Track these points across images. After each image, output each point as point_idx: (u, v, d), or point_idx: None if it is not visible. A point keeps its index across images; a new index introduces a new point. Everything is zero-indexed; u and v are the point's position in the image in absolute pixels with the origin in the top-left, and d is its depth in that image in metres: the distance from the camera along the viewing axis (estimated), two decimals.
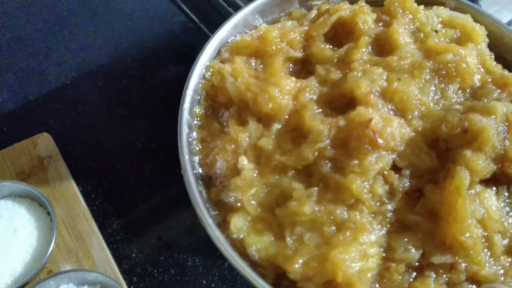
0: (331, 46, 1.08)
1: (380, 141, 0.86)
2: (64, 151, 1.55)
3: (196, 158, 0.98)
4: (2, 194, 1.42)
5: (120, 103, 1.76)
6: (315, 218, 0.85)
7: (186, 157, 0.95)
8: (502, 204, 0.89)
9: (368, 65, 0.99)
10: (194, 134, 1.01)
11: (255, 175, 0.92)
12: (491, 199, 0.86)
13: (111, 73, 1.84)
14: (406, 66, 0.99)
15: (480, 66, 1.04)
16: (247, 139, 0.96)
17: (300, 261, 0.82)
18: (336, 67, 1.03)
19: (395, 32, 1.04)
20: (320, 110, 0.96)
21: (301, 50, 1.08)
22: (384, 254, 0.84)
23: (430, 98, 0.97)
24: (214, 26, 1.11)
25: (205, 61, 1.07)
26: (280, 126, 0.97)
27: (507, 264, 0.86)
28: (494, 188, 0.90)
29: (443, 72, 0.99)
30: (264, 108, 0.96)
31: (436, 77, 0.99)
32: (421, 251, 0.84)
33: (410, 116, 0.94)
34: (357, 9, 1.08)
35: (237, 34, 1.13)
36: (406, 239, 0.84)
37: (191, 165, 0.95)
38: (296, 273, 0.81)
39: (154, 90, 1.79)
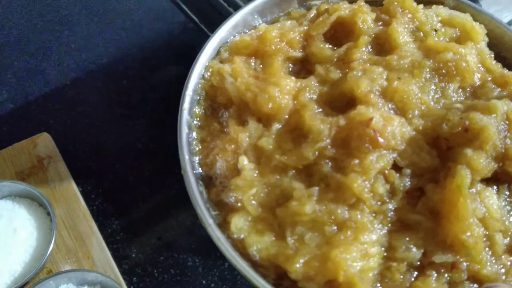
0: (330, 46, 1.08)
1: (380, 140, 0.86)
2: (64, 151, 1.55)
3: (196, 158, 0.98)
4: (2, 194, 1.42)
5: (120, 103, 1.76)
6: (316, 218, 0.84)
7: (186, 157, 0.95)
8: (503, 203, 0.89)
9: (368, 65, 0.99)
10: (194, 134, 1.00)
11: (255, 175, 0.92)
12: (492, 198, 0.86)
13: (111, 73, 1.84)
14: (406, 65, 0.99)
15: (480, 65, 1.04)
16: (247, 139, 0.95)
17: (301, 261, 0.81)
18: (336, 67, 1.02)
19: (395, 31, 1.04)
20: (320, 109, 0.96)
21: (301, 50, 1.08)
22: (385, 254, 0.84)
23: (430, 97, 0.97)
24: (214, 26, 1.10)
25: (205, 61, 1.06)
26: (280, 126, 0.97)
27: (509, 263, 0.85)
28: (495, 187, 0.89)
29: (443, 71, 0.98)
30: (264, 108, 0.96)
31: (436, 76, 0.99)
32: (422, 250, 0.83)
33: (410, 115, 0.93)
34: (356, 9, 1.08)
35: (237, 34, 1.13)
36: (407, 238, 0.84)
37: (191, 165, 0.95)
38: (297, 273, 0.81)
39: (154, 90, 1.79)
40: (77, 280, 1.29)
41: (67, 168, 1.51)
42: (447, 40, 1.08)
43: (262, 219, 0.89)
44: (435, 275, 0.83)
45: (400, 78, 0.96)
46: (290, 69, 1.08)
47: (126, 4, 2.06)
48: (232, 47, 1.09)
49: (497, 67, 1.06)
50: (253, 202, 0.89)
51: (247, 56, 1.07)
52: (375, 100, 0.93)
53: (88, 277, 1.29)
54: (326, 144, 0.90)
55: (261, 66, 1.06)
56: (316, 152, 0.90)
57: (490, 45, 1.11)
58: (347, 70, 0.99)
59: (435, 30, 1.08)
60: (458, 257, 0.82)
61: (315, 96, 0.99)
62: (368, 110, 0.89)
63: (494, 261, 0.84)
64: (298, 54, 1.07)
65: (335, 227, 0.84)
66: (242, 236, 0.87)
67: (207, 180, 0.96)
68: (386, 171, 0.88)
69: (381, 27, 1.08)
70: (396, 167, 0.89)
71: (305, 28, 1.10)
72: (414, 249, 0.83)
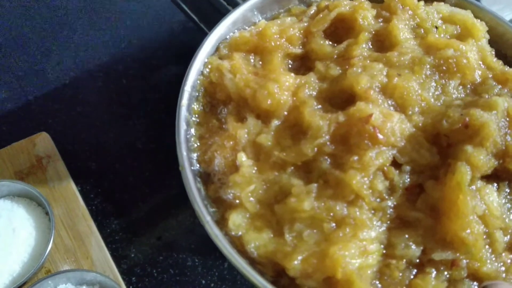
0: (330, 42, 1.08)
1: (380, 136, 0.86)
2: (63, 151, 1.54)
3: (194, 155, 0.97)
4: (0, 194, 1.41)
5: (119, 102, 1.75)
6: (314, 215, 0.84)
7: (184, 153, 0.95)
8: (503, 201, 0.88)
9: (368, 61, 0.99)
10: (192, 131, 1.00)
11: (254, 171, 0.91)
12: (492, 195, 0.86)
13: (111, 72, 1.83)
14: (407, 62, 0.98)
15: (480, 62, 1.04)
16: (245, 135, 0.95)
17: (300, 258, 0.81)
18: (336, 63, 1.02)
19: (395, 28, 1.04)
20: (319, 106, 0.96)
21: (301, 47, 1.08)
22: (384, 251, 0.84)
23: (430, 94, 0.96)
24: (214, 25, 1.10)
25: (203, 58, 1.06)
26: (279, 123, 0.96)
27: (509, 261, 0.85)
28: (495, 184, 0.89)
29: (444, 67, 0.98)
30: (263, 105, 0.95)
31: (437, 72, 0.98)
32: (421, 248, 0.83)
33: (410, 112, 0.93)
34: (356, 5, 1.08)
35: (236, 31, 1.13)
36: (406, 236, 0.83)
37: (189, 162, 0.95)
38: (296, 270, 0.81)
39: (154, 89, 1.78)
40: (75, 280, 1.28)
41: (66, 167, 1.51)
42: (448, 37, 1.08)
43: (260, 216, 0.88)
44: (435, 272, 0.82)
45: (400, 74, 0.95)
46: (290, 65, 1.08)
47: (126, 3, 2.06)
48: (232, 43, 1.08)
49: (498, 64, 1.06)
50: (251, 199, 0.89)
51: (247, 52, 1.07)
52: (375, 97, 0.93)
53: (87, 277, 1.28)
54: (325, 140, 0.89)
55: (260, 62, 1.06)
56: (315, 149, 0.89)
57: (491, 43, 1.11)
58: (347, 67, 0.99)
59: (436, 27, 1.08)
60: (458, 254, 0.82)
61: (315, 93, 0.98)
62: (368, 107, 0.89)
63: (494, 258, 0.84)
64: (298, 50, 1.07)
65: (334, 224, 0.84)
66: (240, 233, 0.87)
67: (205, 177, 0.96)
68: (386, 168, 0.87)
69: (381, 23, 1.08)
70: (395, 163, 0.89)
71: (305, 24, 1.10)
72: (413, 247, 0.83)
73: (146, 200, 1.55)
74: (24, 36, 1.94)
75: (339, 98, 0.98)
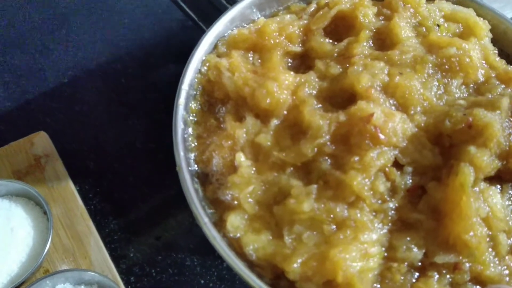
0: (330, 41, 1.07)
1: (381, 136, 0.85)
2: (61, 150, 1.53)
3: (192, 155, 0.97)
4: None
5: (118, 102, 1.75)
6: (314, 216, 0.83)
7: (181, 153, 0.94)
8: (507, 203, 0.87)
9: (369, 60, 0.98)
10: (190, 130, 0.99)
11: (252, 172, 0.90)
12: (496, 197, 0.85)
13: (109, 71, 1.83)
14: (408, 61, 0.98)
15: (483, 61, 1.03)
16: (244, 135, 0.94)
17: (299, 260, 0.80)
18: (336, 62, 1.01)
19: (397, 26, 1.03)
20: (319, 105, 0.95)
21: (300, 45, 1.07)
22: (385, 254, 0.83)
23: (433, 93, 0.96)
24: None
25: (201, 56, 1.06)
26: (278, 122, 0.95)
27: None
28: (499, 186, 0.88)
29: (446, 66, 0.98)
30: (262, 104, 0.94)
31: (439, 71, 0.98)
32: (423, 251, 0.82)
33: (412, 112, 0.92)
34: (357, 3, 1.07)
35: (234, 28, 1.12)
36: (408, 238, 0.83)
37: (186, 162, 0.94)
38: (295, 273, 0.80)
39: (153, 88, 1.78)
40: (74, 280, 1.28)
41: (64, 167, 1.50)
42: (450, 35, 1.07)
43: (259, 218, 0.87)
44: (437, 276, 0.81)
45: (402, 73, 0.95)
46: (289, 64, 1.07)
47: (124, 2, 2.05)
48: (230, 41, 1.08)
49: (501, 63, 1.05)
50: (250, 200, 0.88)
51: (245, 50, 1.06)
52: (376, 96, 0.92)
53: (85, 276, 1.28)
54: (326, 140, 0.88)
55: (259, 60, 1.05)
56: (315, 149, 0.88)
57: (493, 41, 1.10)
58: (347, 65, 0.98)
59: (438, 25, 1.07)
60: (460, 257, 0.81)
61: (315, 92, 0.98)
62: (369, 106, 0.88)
63: (497, 262, 0.83)
64: (297, 48, 1.06)
65: (334, 226, 0.83)
66: (238, 235, 0.86)
67: (203, 178, 0.95)
68: (387, 169, 0.86)
69: (382, 21, 1.07)
70: (397, 164, 0.88)
71: (305, 22, 1.09)
72: (415, 249, 0.82)
73: (145, 200, 1.54)
74: (23, 34, 1.93)
75: (340, 97, 0.97)
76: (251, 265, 0.85)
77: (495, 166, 0.86)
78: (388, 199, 0.86)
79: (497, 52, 1.08)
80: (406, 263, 0.82)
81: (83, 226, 1.40)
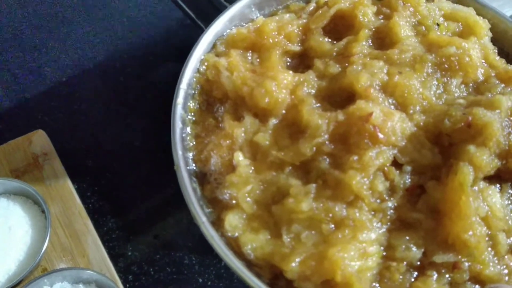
0: (330, 40, 1.07)
1: (380, 135, 0.84)
2: (59, 149, 1.53)
3: (190, 154, 0.96)
4: None
5: (117, 100, 1.75)
6: (313, 216, 0.83)
7: (180, 152, 0.94)
8: (506, 202, 0.87)
9: (368, 59, 0.98)
10: (188, 129, 0.99)
11: (251, 171, 0.90)
12: (495, 197, 0.85)
13: (108, 70, 1.83)
14: (408, 60, 0.98)
15: (483, 61, 1.03)
16: (242, 134, 0.94)
17: (297, 260, 0.80)
18: (335, 61, 1.01)
19: (396, 25, 1.03)
20: (318, 104, 0.95)
21: (299, 44, 1.07)
22: (384, 253, 0.83)
23: (432, 92, 0.95)
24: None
25: (200, 55, 1.05)
26: (277, 121, 0.95)
27: (511, 264, 0.84)
28: (498, 185, 0.88)
29: (446, 65, 0.97)
30: (261, 103, 0.94)
31: (438, 71, 0.98)
32: (422, 250, 0.82)
33: (411, 111, 0.92)
34: (356, 2, 1.07)
35: (233, 27, 1.12)
36: (407, 237, 0.82)
37: (184, 161, 0.94)
38: (293, 272, 0.79)
39: (151, 87, 1.78)
40: (72, 279, 1.28)
41: (62, 165, 1.50)
42: (450, 34, 1.07)
43: (257, 217, 0.87)
44: (436, 275, 0.81)
45: (401, 72, 0.94)
46: (288, 63, 1.07)
47: (124, 1, 2.05)
48: (229, 40, 1.08)
49: (500, 62, 1.05)
50: (248, 199, 0.88)
51: (244, 49, 1.06)
52: (375, 95, 0.91)
53: (83, 275, 1.28)
54: (324, 139, 0.88)
55: (258, 60, 1.04)
56: (314, 148, 0.88)
57: (493, 41, 1.10)
58: (346, 65, 0.98)
59: (438, 24, 1.07)
60: (459, 257, 0.81)
61: (313, 91, 0.97)
62: (368, 105, 0.88)
63: (496, 261, 0.83)
64: (296, 48, 1.06)
65: (333, 225, 0.83)
66: (236, 234, 0.86)
67: (201, 177, 0.95)
68: (386, 168, 0.86)
69: (382, 20, 1.07)
70: (396, 164, 0.88)
71: (304, 21, 1.09)
72: (414, 249, 0.82)
73: (143, 198, 1.54)
74: (21, 33, 1.93)
75: (339, 96, 0.97)
76: (249, 264, 0.85)
77: (495, 166, 0.85)
78: (387, 198, 0.85)
79: (496, 51, 1.07)
80: (405, 263, 0.82)
81: (81, 225, 1.40)
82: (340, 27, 1.09)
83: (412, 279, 0.82)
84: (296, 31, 1.06)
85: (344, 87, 0.96)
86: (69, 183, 1.47)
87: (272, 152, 0.90)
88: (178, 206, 1.51)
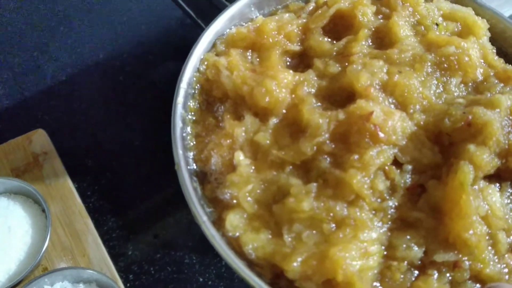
0: (329, 39, 1.06)
1: (381, 135, 0.84)
2: (59, 148, 1.54)
3: (191, 154, 0.96)
4: None
5: (117, 100, 1.76)
6: (313, 215, 0.83)
7: (180, 152, 0.93)
8: (506, 201, 0.87)
9: (368, 58, 0.98)
10: (189, 129, 0.99)
11: (251, 171, 0.90)
12: (495, 196, 0.85)
13: (108, 69, 1.83)
14: (407, 59, 0.97)
15: (482, 60, 1.03)
16: (243, 134, 0.93)
17: (299, 259, 0.79)
18: (335, 61, 1.01)
19: (395, 25, 1.02)
20: (318, 104, 0.95)
21: (299, 43, 1.07)
22: (385, 252, 0.83)
23: (432, 92, 0.95)
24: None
25: (200, 54, 1.05)
26: (277, 121, 0.95)
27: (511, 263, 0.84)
28: (498, 184, 0.88)
29: (445, 65, 0.97)
30: (261, 102, 0.94)
31: (438, 70, 0.97)
32: (423, 249, 0.82)
33: (411, 110, 0.92)
34: (356, 1, 1.07)
35: (233, 27, 1.12)
36: (408, 237, 0.82)
37: (185, 160, 0.93)
38: (295, 272, 0.79)
39: (151, 86, 1.78)
40: (72, 278, 1.28)
41: (62, 165, 1.50)
42: (449, 34, 1.07)
43: (258, 217, 0.87)
44: (437, 274, 0.81)
45: (401, 72, 0.94)
46: (288, 63, 1.07)
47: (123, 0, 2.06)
48: (228, 40, 1.07)
49: (499, 62, 1.04)
50: (249, 198, 0.87)
51: (244, 49, 1.05)
52: (375, 94, 0.91)
53: (84, 274, 1.28)
54: (325, 139, 0.88)
55: (258, 59, 1.04)
56: (314, 147, 0.88)
57: (492, 41, 1.10)
58: (346, 64, 0.98)
59: (437, 24, 1.07)
60: (460, 256, 0.80)
61: (314, 90, 0.97)
62: (368, 104, 0.88)
63: (497, 260, 0.83)
64: (296, 47, 1.06)
65: (334, 225, 0.82)
66: (237, 234, 0.85)
67: (202, 176, 0.95)
68: (387, 167, 0.86)
69: (381, 20, 1.06)
70: (396, 163, 0.87)
71: (304, 21, 1.08)
72: (415, 248, 0.81)
73: (143, 198, 1.55)
74: (21, 32, 1.93)
75: (339, 95, 0.97)
76: (251, 264, 0.84)
77: (495, 165, 0.85)
78: (387, 197, 0.85)
79: (495, 51, 1.07)
80: (406, 262, 0.82)
81: (82, 224, 1.40)
82: (340, 26, 1.08)
83: (413, 278, 0.81)
84: (295, 30, 1.06)
85: (344, 87, 0.96)
86: (69, 182, 1.48)
87: (272, 152, 0.90)
88: (178, 205, 1.51)
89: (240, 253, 0.85)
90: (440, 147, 0.89)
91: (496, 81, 0.99)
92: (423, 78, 0.95)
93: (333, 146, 0.87)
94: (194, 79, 1.03)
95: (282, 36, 1.05)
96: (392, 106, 0.92)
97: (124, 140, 1.65)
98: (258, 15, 1.15)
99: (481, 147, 0.84)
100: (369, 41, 1.04)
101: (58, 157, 1.51)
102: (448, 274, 0.81)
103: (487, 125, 0.84)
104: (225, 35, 1.10)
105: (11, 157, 1.50)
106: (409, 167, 0.87)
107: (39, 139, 1.54)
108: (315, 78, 0.99)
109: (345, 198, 0.83)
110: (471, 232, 0.79)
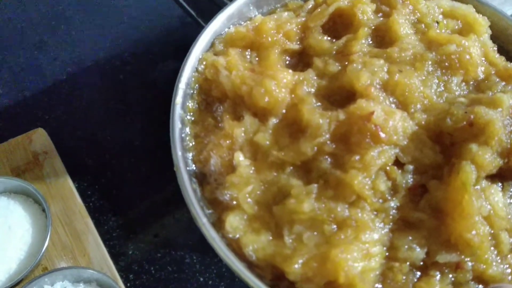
0: (329, 38, 1.06)
1: (382, 135, 0.84)
2: (60, 147, 1.54)
3: (190, 155, 0.96)
4: None
5: (117, 99, 1.75)
6: (314, 216, 0.82)
7: (179, 153, 0.93)
8: (509, 201, 0.87)
9: (368, 57, 0.97)
10: (187, 129, 0.98)
11: (251, 171, 0.89)
12: (498, 195, 0.84)
13: (108, 68, 1.83)
14: (408, 58, 0.97)
15: (483, 58, 1.02)
16: (242, 134, 0.93)
17: (300, 261, 0.79)
18: (335, 60, 1.00)
19: (395, 23, 1.02)
20: (318, 103, 0.94)
21: (298, 42, 1.06)
22: (387, 253, 0.82)
23: (433, 91, 0.95)
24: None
25: (198, 54, 1.04)
26: (277, 121, 0.94)
27: None
28: (500, 184, 0.88)
29: (446, 64, 0.97)
30: (260, 102, 0.93)
31: (439, 69, 0.97)
32: (425, 250, 0.81)
33: (412, 110, 0.91)
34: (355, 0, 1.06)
35: (231, 26, 1.11)
36: (410, 237, 0.82)
37: (184, 161, 0.93)
38: (295, 274, 0.79)
39: (151, 85, 1.78)
40: (72, 278, 1.28)
41: (62, 164, 1.50)
42: (449, 32, 1.06)
43: (258, 218, 0.86)
44: (439, 275, 0.81)
45: (401, 71, 0.94)
46: (287, 62, 1.06)
47: None
48: (227, 39, 1.07)
49: (500, 60, 1.04)
50: (249, 200, 0.87)
51: (243, 48, 1.05)
52: (376, 94, 0.91)
53: (84, 274, 1.28)
54: (325, 139, 0.87)
55: (257, 58, 1.04)
56: (315, 148, 0.87)
57: (493, 38, 1.09)
58: (346, 63, 0.97)
59: (437, 22, 1.07)
60: (462, 256, 0.80)
61: (313, 90, 0.97)
62: (369, 104, 0.87)
63: (499, 260, 0.82)
64: (295, 46, 1.05)
65: (335, 226, 0.82)
66: (237, 235, 0.85)
67: (201, 177, 0.94)
68: (388, 168, 0.86)
69: (381, 18, 1.06)
70: (398, 163, 0.87)
71: (303, 19, 1.08)
72: (417, 249, 0.81)
73: (143, 197, 1.55)
74: (21, 31, 1.93)
75: (339, 95, 0.96)
76: (251, 266, 0.84)
77: (497, 164, 0.85)
78: (389, 198, 0.85)
79: (496, 49, 1.07)
80: (408, 263, 0.81)
81: (82, 224, 1.40)
82: (339, 25, 1.08)
83: (415, 280, 0.81)
84: (295, 29, 1.05)
85: (344, 86, 0.95)
86: (69, 181, 1.48)
87: (272, 152, 0.89)
88: (178, 204, 1.51)
89: (241, 255, 0.84)
90: (442, 147, 0.88)
91: (498, 79, 0.98)
92: (424, 77, 0.95)
93: (333, 146, 0.87)
94: (193, 79, 1.03)
95: (281, 35, 1.04)
96: (393, 105, 0.91)
97: (124, 139, 1.65)
98: (257, 14, 1.14)
99: (483, 147, 0.84)
100: (369, 40, 1.04)
101: (58, 156, 1.51)
102: (450, 275, 0.81)
103: (489, 124, 0.84)
104: (223, 34, 1.09)
105: (11, 157, 1.50)
106: (411, 167, 0.87)
107: (39, 138, 1.54)
108: (315, 78, 0.98)
109: (346, 199, 0.83)
110: (473, 232, 0.78)
